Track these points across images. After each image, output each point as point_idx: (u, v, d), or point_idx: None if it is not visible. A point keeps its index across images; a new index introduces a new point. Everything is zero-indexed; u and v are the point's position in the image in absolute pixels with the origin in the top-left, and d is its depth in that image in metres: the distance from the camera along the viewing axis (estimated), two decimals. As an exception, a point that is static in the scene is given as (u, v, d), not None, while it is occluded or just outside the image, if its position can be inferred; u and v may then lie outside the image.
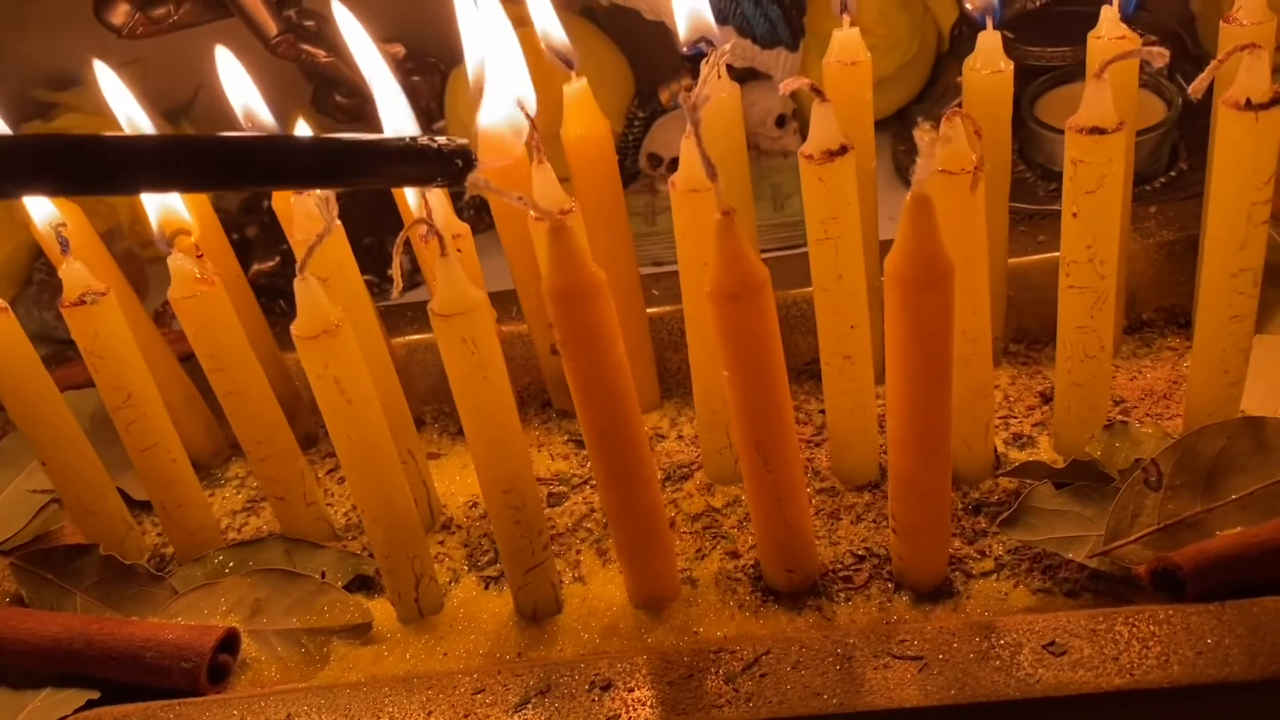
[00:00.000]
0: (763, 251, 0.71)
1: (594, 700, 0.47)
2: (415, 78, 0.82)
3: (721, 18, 0.76)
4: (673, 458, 0.63)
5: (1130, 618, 0.46)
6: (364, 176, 0.41)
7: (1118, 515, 0.50)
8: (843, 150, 0.49)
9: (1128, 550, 0.50)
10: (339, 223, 0.51)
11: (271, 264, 0.82)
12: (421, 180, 0.43)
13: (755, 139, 0.85)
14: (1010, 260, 0.65)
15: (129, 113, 0.55)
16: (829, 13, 0.82)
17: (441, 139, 0.41)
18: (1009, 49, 0.82)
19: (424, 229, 0.46)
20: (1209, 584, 0.47)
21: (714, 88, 0.52)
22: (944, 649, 0.46)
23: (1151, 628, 0.45)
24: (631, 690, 0.47)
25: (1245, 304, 0.52)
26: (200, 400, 0.66)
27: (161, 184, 0.41)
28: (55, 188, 0.41)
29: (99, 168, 0.36)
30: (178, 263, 0.52)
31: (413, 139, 0.41)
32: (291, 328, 0.47)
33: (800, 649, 0.47)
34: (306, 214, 0.50)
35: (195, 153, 0.38)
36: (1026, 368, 0.64)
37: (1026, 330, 0.66)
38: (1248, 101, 0.47)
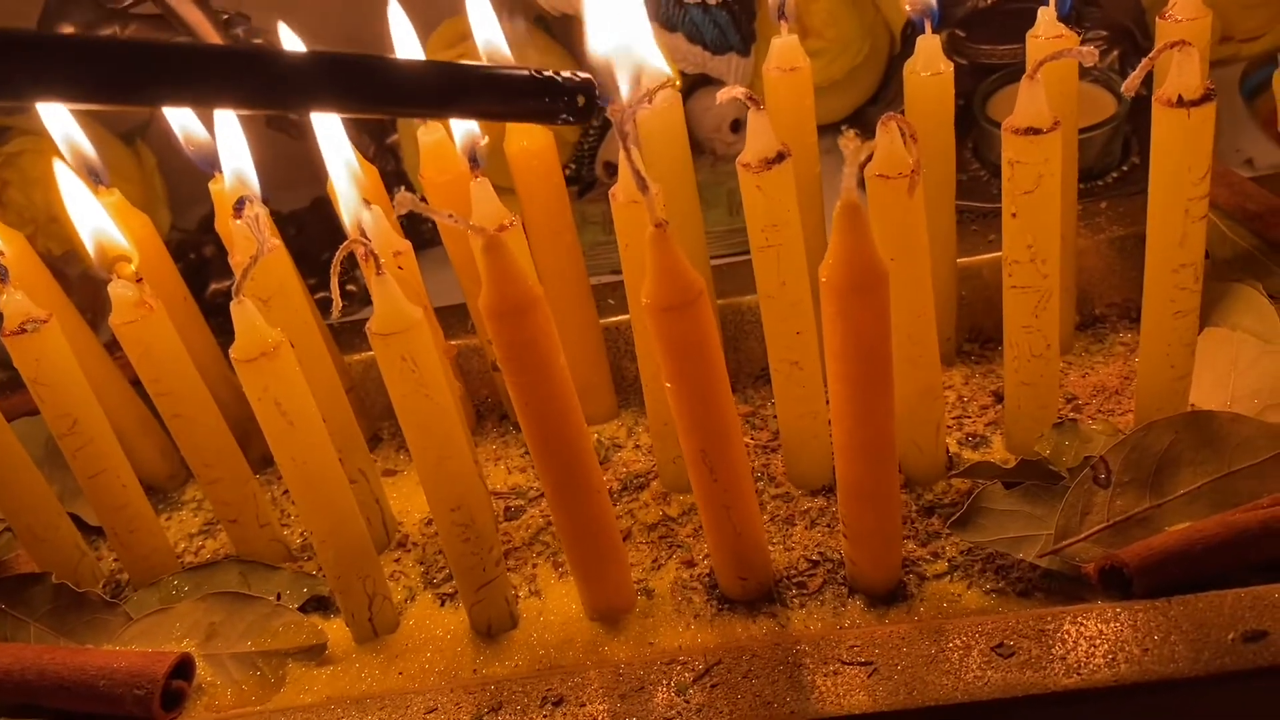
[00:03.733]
0: (718, 257, 0.72)
1: (545, 716, 0.47)
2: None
3: (670, 25, 0.76)
4: (629, 467, 0.63)
5: (1078, 617, 0.46)
6: (489, 105, 0.40)
7: (1067, 514, 0.51)
8: (780, 158, 0.49)
9: (1078, 548, 0.50)
10: (278, 242, 0.51)
11: (229, 283, 0.81)
12: (545, 115, 0.43)
13: (710, 144, 0.85)
14: (962, 260, 0.65)
15: (66, 130, 0.54)
16: (781, 18, 0.82)
17: (566, 73, 0.41)
18: (961, 47, 0.83)
19: (362, 248, 0.46)
20: (1156, 581, 0.47)
21: (652, 99, 0.52)
22: (893, 653, 0.46)
23: (1099, 626, 0.45)
24: (583, 705, 0.47)
25: (1187, 299, 0.52)
26: (154, 424, 0.66)
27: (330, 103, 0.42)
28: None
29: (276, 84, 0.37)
30: (117, 289, 0.52)
31: (537, 70, 0.41)
32: (230, 351, 0.47)
33: (751, 658, 0.47)
34: (246, 236, 0.50)
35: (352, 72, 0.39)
36: (980, 367, 0.64)
37: (980, 329, 0.66)
38: (1179, 99, 0.47)
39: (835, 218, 0.41)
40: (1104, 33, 0.81)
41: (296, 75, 0.39)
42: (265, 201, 0.89)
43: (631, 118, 0.41)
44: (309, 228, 0.89)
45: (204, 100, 0.42)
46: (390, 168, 0.85)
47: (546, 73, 0.42)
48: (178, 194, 0.94)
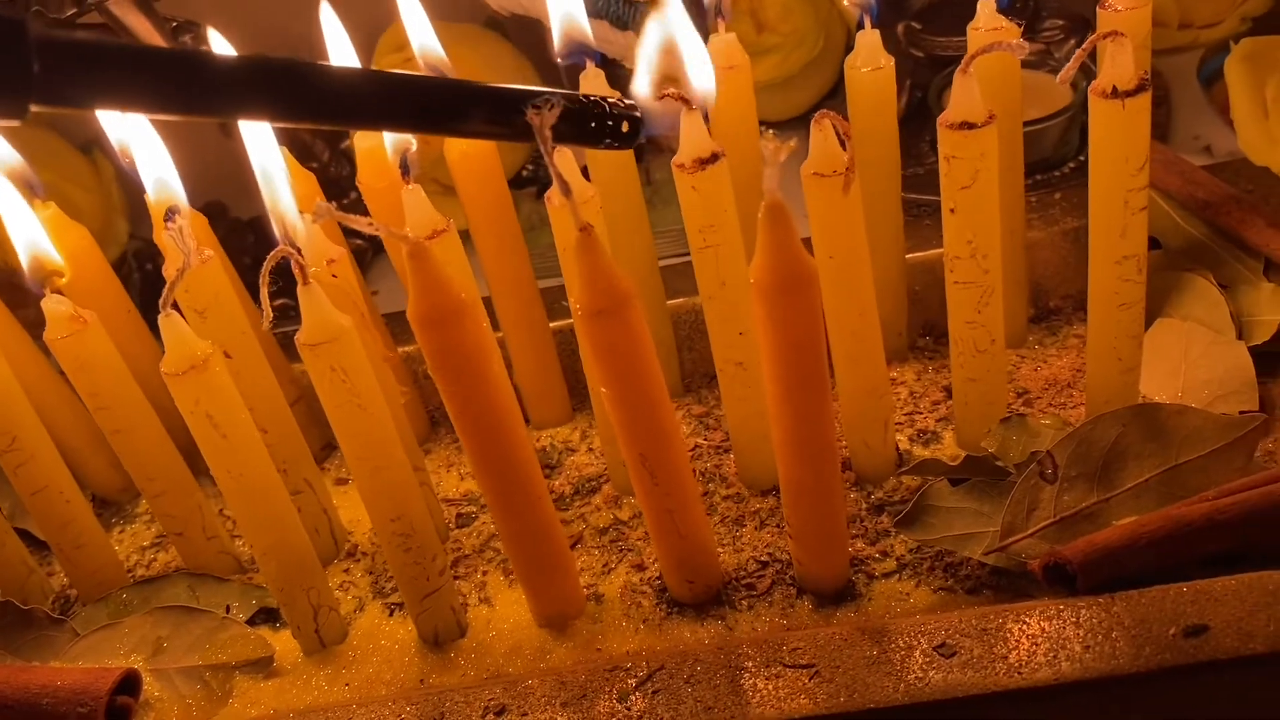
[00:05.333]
0: (675, 256, 0.72)
1: (487, 726, 0.46)
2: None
3: (621, 24, 0.76)
4: (582, 471, 0.62)
5: (1021, 615, 0.46)
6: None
7: (1013, 510, 0.50)
8: (714, 158, 0.49)
9: (1024, 545, 0.50)
10: (211, 253, 0.51)
11: (185, 293, 0.81)
12: (590, 139, 0.44)
13: (668, 142, 0.84)
14: (915, 254, 0.64)
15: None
16: (738, 15, 0.81)
17: (610, 99, 0.42)
18: (917, 40, 0.82)
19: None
20: (1100, 577, 0.46)
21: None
22: (835, 655, 0.46)
23: (1041, 624, 0.45)
24: (525, 714, 0.46)
25: (1131, 291, 0.51)
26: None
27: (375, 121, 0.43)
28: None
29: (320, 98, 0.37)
30: (51, 304, 0.51)
31: (586, 97, 0.42)
32: (160, 365, 0.46)
33: (694, 663, 0.47)
34: (174, 248, 0.49)
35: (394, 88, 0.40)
36: (933, 362, 0.64)
37: (934, 324, 0.66)
38: (1114, 89, 0.46)
39: (760, 219, 0.41)
40: (1061, 22, 0.81)
41: (344, 91, 0.39)
42: (224, 209, 0.89)
43: (550, 123, 0.40)
44: (268, 234, 0.89)
45: (279, 116, 0.41)
46: (345, 173, 0.85)
47: (593, 97, 0.43)
48: (137, 203, 0.93)
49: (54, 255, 0.51)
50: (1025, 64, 0.76)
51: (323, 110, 0.40)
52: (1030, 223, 0.65)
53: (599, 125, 0.43)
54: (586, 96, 0.43)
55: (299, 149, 0.84)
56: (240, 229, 0.88)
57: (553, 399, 0.65)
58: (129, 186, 0.94)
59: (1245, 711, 0.44)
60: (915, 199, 0.73)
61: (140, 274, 0.85)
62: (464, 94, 0.42)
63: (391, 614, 0.56)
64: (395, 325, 0.67)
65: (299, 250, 0.45)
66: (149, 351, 0.62)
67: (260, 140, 0.48)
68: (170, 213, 0.47)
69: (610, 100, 0.43)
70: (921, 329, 0.66)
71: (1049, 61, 0.79)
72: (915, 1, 0.83)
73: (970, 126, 0.48)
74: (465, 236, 0.59)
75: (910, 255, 0.63)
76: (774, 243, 0.41)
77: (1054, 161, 0.76)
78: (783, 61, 0.80)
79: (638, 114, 0.43)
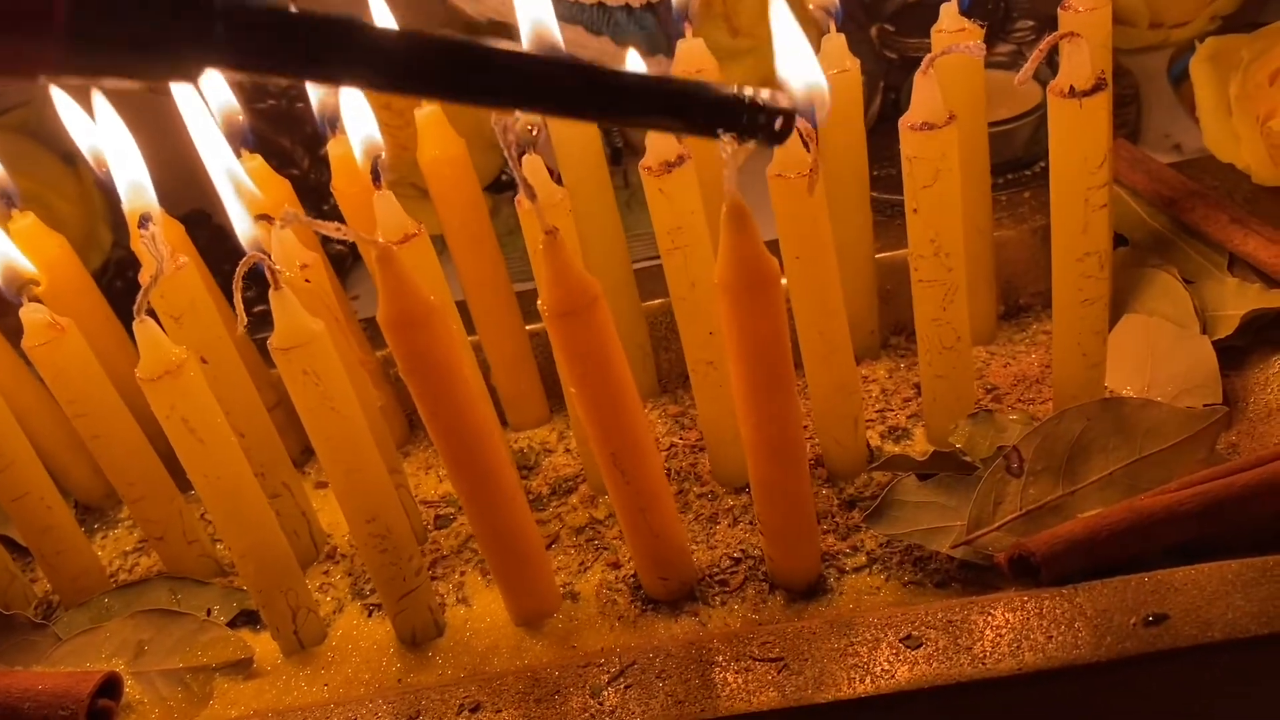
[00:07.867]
0: (650, 258, 0.72)
1: (462, 723, 0.47)
2: (299, 104, 0.82)
3: (595, 29, 0.76)
4: (559, 471, 0.63)
5: (986, 607, 0.46)
6: (698, 119, 0.41)
7: (980, 504, 0.51)
8: (680, 161, 0.49)
9: (991, 538, 0.51)
10: (186, 259, 0.51)
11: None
12: (743, 134, 0.44)
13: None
14: (888, 254, 0.65)
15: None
16: (712, 18, 0.82)
17: (764, 94, 0.42)
18: (891, 42, 0.83)
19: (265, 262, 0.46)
20: (1063, 568, 0.47)
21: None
22: (803, 648, 0.46)
23: (1006, 615, 0.46)
24: (499, 711, 0.47)
25: (1094, 287, 0.52)
26: (87, 443, 0.66)
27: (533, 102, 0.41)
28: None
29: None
30: (29, 313, 0.52)
31: (740, 90, 0.42)
32: (135, 370, 0.47)
33: (665, 658, 0.48)
34: (147, 255, 0.50)
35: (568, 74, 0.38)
36: (905, 359, 0.65)
37: (906, 322, 0.66)
38: (1071, 89, 0.47)
39: (722, 220, 0.41)
40: (1031, 23, 0.82)
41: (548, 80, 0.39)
42: (207, 216, 0.90)
43: (514, 128, 0.41)
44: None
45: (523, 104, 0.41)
46: (325, 179, 0.85)
47: (748, 92, 0.43)
48: (121, 212, 0.93)
49: (26, 264, 0.52)
50: (995, 65, 0.77)
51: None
52: (1000, 221, 0.66)
53: (750, 121, 0.43)
54: (741, 89, 0.43)
55: (279, 156, 0.84)
56: (223, 236, 0.88)
57: (530, 401, 0.65)
58: (113, 195, 0.94)
59: (1204, 698, 0.45)
60: (888, 199, 0.74)
61: (124, 282, 0.85)
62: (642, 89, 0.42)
63: (370, 615, 0.56)
64: (375, 330, 0.68)
65: (269, 255, 0.46)
66: (128, 358, 0.63)
67: (214, 149, 0.48)
68: (144, 220, 0.48)
69: (764, 94, 0.43)
70: (894, 327, 0.67)
71: (1019, 62, 0.80)
72: (889, 4, 0.84)
73: (931, 127, 0.48)
74: (441, 241, 0.59)
75: (882, 255, 0.64)
76: (736, 243, 0.42)
77: (1024, 160, 0.76)
78: (758, 64, 0.80)
79: (790, 110, 0.43)
